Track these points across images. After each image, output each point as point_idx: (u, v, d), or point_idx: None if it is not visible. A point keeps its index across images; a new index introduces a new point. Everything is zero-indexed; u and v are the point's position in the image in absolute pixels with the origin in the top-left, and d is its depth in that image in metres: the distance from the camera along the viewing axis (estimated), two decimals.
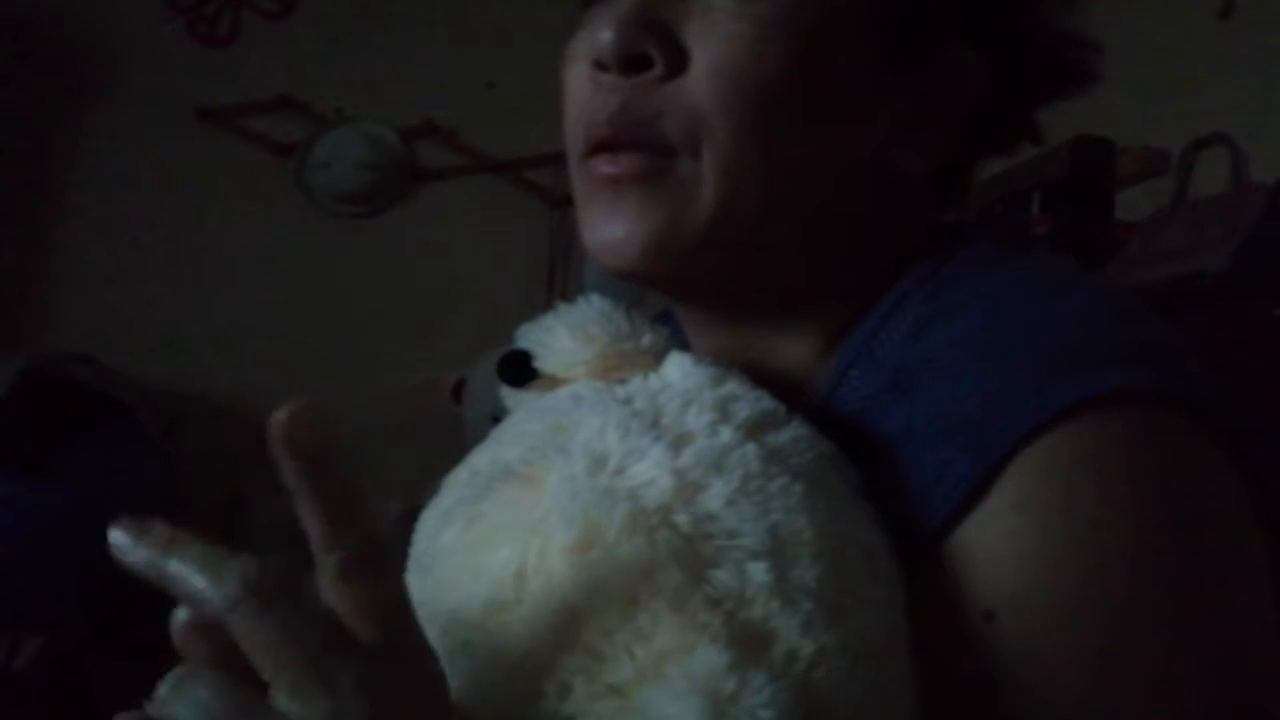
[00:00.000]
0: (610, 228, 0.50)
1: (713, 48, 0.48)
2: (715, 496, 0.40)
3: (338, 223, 2.33)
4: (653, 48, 0.48)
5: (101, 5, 2.22)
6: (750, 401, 0.45)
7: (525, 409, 0.50)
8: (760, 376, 0.52)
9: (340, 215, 2.34)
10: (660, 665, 0.36)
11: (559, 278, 2.26)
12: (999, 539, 0.42)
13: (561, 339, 0.49)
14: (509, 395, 0.51)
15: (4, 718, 1.54)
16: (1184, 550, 0.42)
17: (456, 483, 0.47)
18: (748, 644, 0.36)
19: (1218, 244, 1.33)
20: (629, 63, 0.49)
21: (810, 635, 0.37)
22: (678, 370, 0.46)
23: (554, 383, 0.49)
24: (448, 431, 1.97)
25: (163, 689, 0.32)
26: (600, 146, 0.50)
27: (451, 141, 2.35)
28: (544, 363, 0.49)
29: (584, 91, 0.51)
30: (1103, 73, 0.55)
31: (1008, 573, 0.42)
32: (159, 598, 0.33)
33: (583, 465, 0.41)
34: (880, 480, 0.45)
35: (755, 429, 0.43)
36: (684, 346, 0.57)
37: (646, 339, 0.48)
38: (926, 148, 0.52)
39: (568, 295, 0.52)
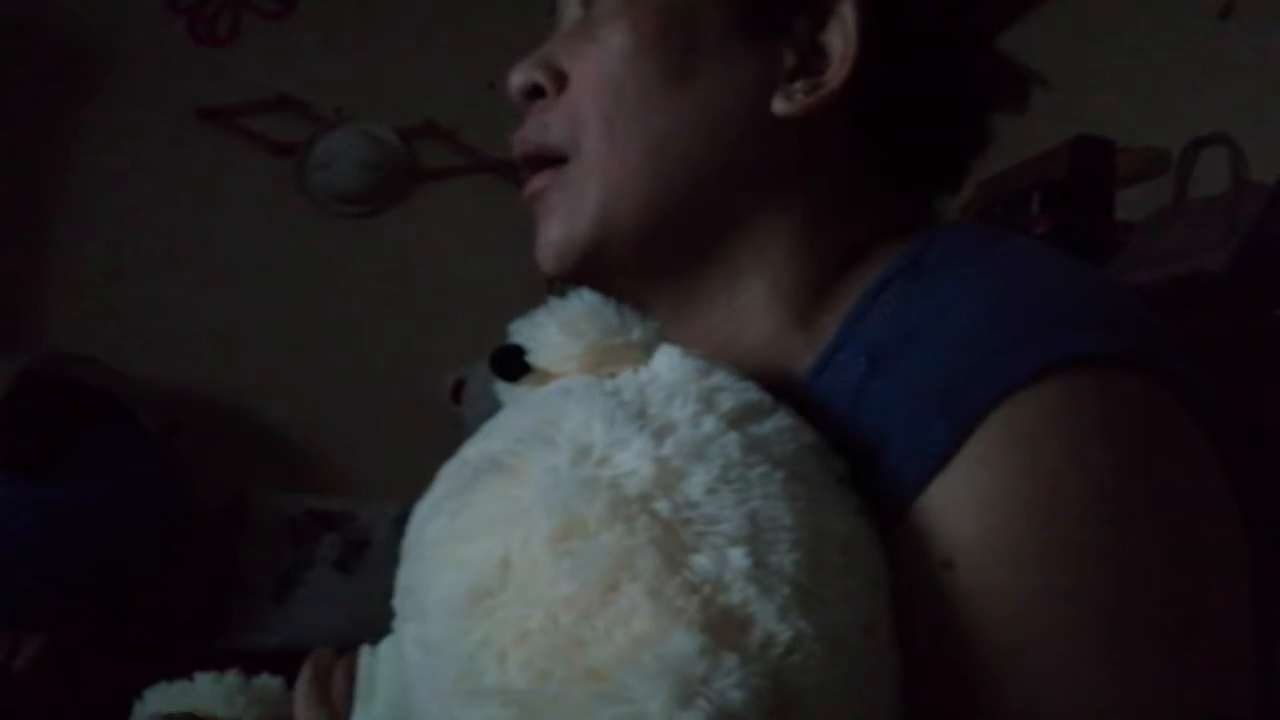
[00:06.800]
0: (538, 240, 0.59)
1: (580, 60, 0.57)
2: (696, 484, 0.40)
3: (338, 222, 2.33)
4: (541, 77, 0.58)
5: (101, 5, 2.22)
6: (736, 392, 0.45)
7: (515, 403, 0.50)
8: (739, 361, 0.53)
9: (340, 215, 2.34)
10: (636, 649, 0.36)
11: None
12: (960, 491, 0.44)
13: (552, 334, 0.49)
14: (503, 390, 0.52)
15: (4, 718, 1.54)
16: (1143, 501, 0.43)
17: (447, 475, 0.48)
18: (724, 628, 0.37)
19: (1217, 244, 1.33)
20: (528, 94, 0.59)
21: (787, 620, 0.37)
22: (665, 363, 0.47)
23: (546, 377, 0.50)
24: (448, 431, 1.97)
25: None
26: (524, 164, 0.60)
27: (451, 141, 2.35)
28: (535, 357, 0.50)
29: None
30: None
31: (966, 521, 0.43)
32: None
33: (567, 456, 0.42)
34: (863, 453, 0.46)
35: (739, 419, 0.44)
36: None
37: (636, 333, 0.49)
38: (808, 93, 0.55)
39: (566, 295, 0.52)
